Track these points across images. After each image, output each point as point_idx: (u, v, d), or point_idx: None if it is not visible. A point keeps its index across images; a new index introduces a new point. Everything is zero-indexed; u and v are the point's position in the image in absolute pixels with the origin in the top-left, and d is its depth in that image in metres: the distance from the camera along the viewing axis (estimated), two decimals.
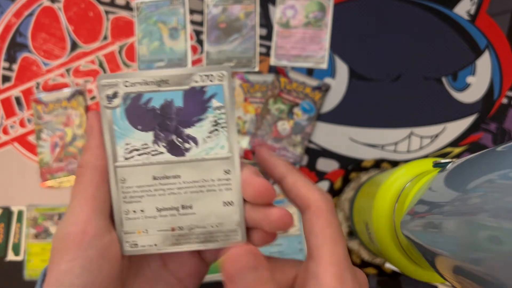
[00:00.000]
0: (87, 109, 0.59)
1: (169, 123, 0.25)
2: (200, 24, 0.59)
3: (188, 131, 0.25)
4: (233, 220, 0.26)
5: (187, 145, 0.26)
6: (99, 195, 0.24)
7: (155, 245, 0.26)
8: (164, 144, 0.25)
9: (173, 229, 0.26)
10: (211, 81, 0.25)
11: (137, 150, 0.25)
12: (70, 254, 0.23)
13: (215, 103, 0.25)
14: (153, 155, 0.25)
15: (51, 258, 0.23)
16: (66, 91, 0.59)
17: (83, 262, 0.23)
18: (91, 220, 0.24)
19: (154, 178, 0.26)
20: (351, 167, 0.57)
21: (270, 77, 0.57)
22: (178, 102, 0.25)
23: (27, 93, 0.60)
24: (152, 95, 0.25)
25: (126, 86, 0.25)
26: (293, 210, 0.55)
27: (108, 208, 0.25)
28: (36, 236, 0.58)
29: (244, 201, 0.26)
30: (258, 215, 0.25)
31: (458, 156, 0.57)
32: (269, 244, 0.26)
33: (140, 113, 0.25)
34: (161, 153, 0.26)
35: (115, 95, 0.25)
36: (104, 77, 0.25)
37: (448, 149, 0.57)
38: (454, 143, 0.57)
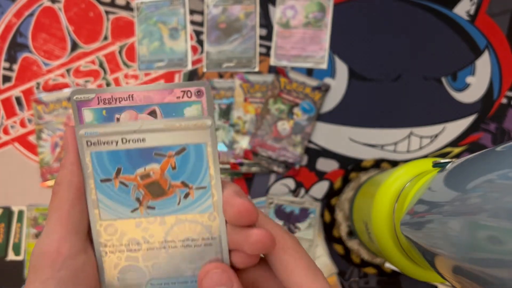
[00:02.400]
0: None
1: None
2: (200, 24, 0.59)
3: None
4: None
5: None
6: (74, 212, 0.24)
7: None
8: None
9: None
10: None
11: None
12: (44, 274, 0.23)
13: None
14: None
15: (28, 275, 0.24)
16: (67, 91, 0.59)
17: (55, 283, 0.23)
18: (66, 239, 0.23)
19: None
20: (351, 167, 0.57)
21: (270, 77, 0.57)
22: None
23: (28, 93, 0.60)
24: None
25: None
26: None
27: (85, 226, 0.25)
28: (37, 236, 0.58)
29: (226, 222, 0.25)
30: (239, 236, 0.24)
31: (457, 156, 0.57)
32: (250, 266, 0.25)
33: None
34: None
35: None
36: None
37: (448, 149, 0.57)
38: (454, 143, 0.57)
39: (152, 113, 0.24)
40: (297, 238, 0.25)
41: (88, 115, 0.24)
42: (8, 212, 0.59)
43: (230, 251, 0.25)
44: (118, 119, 0.24)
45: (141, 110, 0.24)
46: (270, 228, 0.25)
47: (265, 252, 0.24)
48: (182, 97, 0.24)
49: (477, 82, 0.57)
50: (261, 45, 0.58)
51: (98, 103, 0.24)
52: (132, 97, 0.24)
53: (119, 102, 0.24)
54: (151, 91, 0.24)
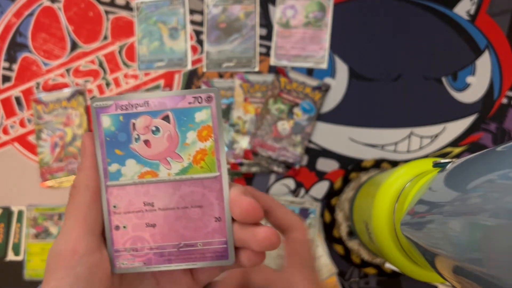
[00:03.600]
0: (87, 109, 0.59)
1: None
2: (200, 24, 0.59)
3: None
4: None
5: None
6: (90, 214, 0.25)
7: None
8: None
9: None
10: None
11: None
12: (60, 272, 0.23)
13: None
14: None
15: (44, 275, 0.24)
16: (66, 91, 0.59)
17: (71, 280, 0.23)
18: (82, 239, 0.24)
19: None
20: (351, 167, 0.57)
21: (270, 77, 0.57)
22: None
23: (27, 93, 0.60)
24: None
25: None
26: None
27: (100, 226, 0.26)
28: (36, 236, 0.58)
29: (233, 220, 0.26)
30: (246, 234, 0.25)
31: (458, 156, 0.57)
32: (258, 264, 0.26)
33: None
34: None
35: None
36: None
37: (448, 149, 0.57)
38: (454, 143, 0.57)
39: (166, 118, 0.26)
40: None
41: (106, 120, 0.26)
42: (7, 212, 0.59)
43: (236, 249, 0.26)
44: (134, 124, 0.26)
45: (155, 115, 0.26)
46: (285, 215, 0.29)
47: (271, 249, 0.25)
48: (193, 103, 0.26)
49: (477, 82, 0.57)
50: (261, 45, 0.58)
51: (116, 109, 0.26)
52: (147, 103, 0.25)
53: (135, 108, 0.26)
54: (165, 98, 0.25)
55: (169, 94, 0.25)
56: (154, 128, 0.26)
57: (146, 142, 0.26)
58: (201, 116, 0.26)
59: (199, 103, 0.25)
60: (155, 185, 0.26)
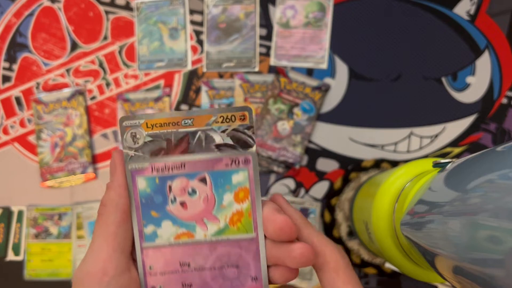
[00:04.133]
0: (87, 109, 0.59)
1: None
2: (200, 24, 0.59)
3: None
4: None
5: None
6: (120, 233, 0.25)
7: None
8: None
9: None
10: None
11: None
12: None
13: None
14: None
15: None
16: (66, 91, 0.59)
17: None
18: (111, 259, 0.24)
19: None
20: (351, 167, 0.57)
21: (270, 77, 0.57)
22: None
23: (27, 93, 0.60)
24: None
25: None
26: None
27: (130, 246, 0.26)
28: (36, 236, 0.58)
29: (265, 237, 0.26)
30: (280, 251, 0.25)
31: (458, 156, 0.57)
32: (291, 280, 0.26)
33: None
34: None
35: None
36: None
37: (448, 149, 0.57)
38: (454, 143, 0.57)
39: (203, 180, 0.26)
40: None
41: (141, 182, 0.26)
42: (7, 212, 0.59)
43: (268, 267, 0.26)
44: (170, 187, 0.26)
45: (192, 177, 0.25)
46: (324, 246, 0.25)
47: (307, 266, 0.24)
48: (231, 165, 0.25)
49: (477, 82, 0.57)
50: (261, 45, 0.58)
51: (152, 172, 0.25)
52: (184, 165, 0.25)
53: (171, 170, 0.25)
54: (202, 160, 0.25)
55: (206, 156, 0.25)
56: (190, 190, 0.25)
57: (183, 204, 0.26)
58: (238, 178, 0.25)
59: (236, 165, 0.25)
60: (191, 246, 0.26)
